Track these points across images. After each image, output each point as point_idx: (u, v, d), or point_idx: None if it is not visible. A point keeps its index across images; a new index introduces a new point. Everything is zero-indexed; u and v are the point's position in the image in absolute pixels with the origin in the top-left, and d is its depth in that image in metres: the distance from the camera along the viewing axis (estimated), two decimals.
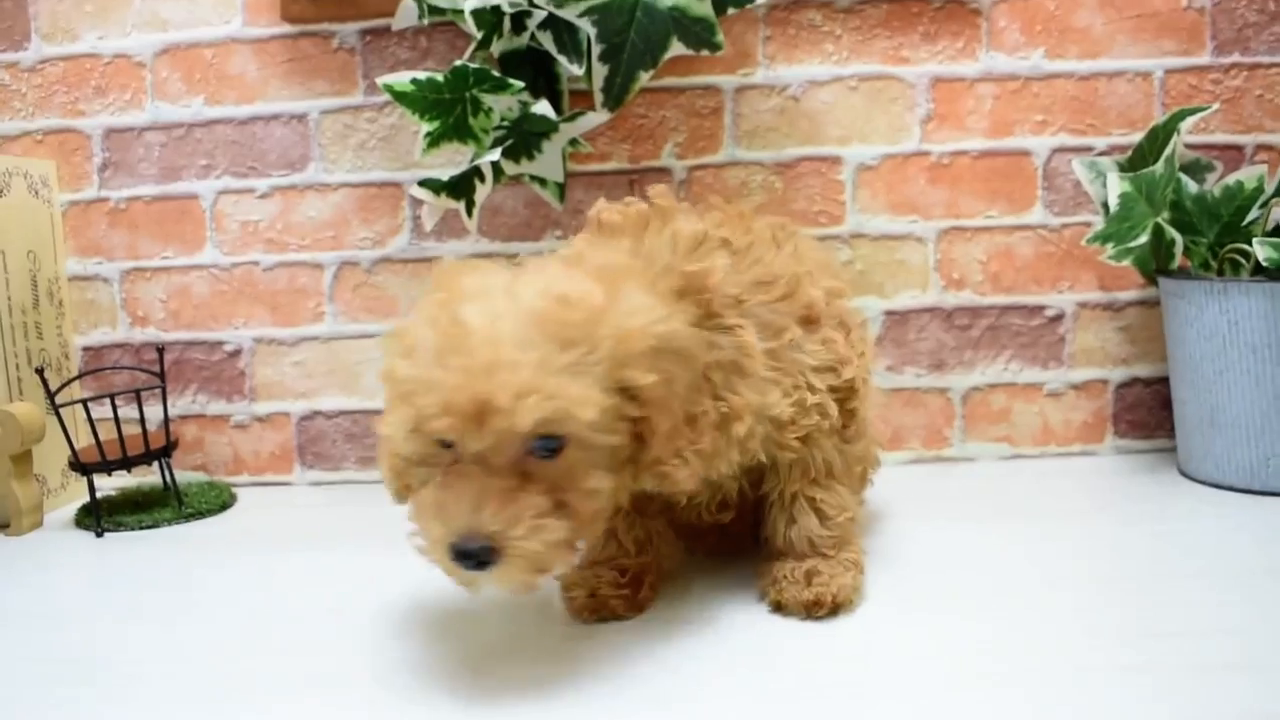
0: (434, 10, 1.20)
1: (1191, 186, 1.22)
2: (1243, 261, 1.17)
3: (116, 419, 1.22)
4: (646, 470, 0.77)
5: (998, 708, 0.71)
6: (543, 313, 0.72)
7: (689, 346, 0.77)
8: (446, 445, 0.73)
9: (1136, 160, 1.23)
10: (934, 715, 0.70)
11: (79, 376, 1.31)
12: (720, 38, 1.18)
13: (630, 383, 0.73)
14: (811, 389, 0.86)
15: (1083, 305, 1.34)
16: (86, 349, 1.42)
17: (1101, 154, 1.31)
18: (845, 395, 0.89)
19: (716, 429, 0.78)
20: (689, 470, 0.77)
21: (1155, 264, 1.22)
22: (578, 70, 1.19)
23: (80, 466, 1.23)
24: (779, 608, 0.89)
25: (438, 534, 0.72)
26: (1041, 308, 1.34)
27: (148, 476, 1.39)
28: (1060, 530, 1.07)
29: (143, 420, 1.27)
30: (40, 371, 1.22)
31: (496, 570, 0.71)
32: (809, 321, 0.88)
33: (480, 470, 0.72)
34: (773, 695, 0.74)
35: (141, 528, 1.22)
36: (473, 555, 0.70)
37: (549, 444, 0.72)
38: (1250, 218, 1.19)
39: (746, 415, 0.79)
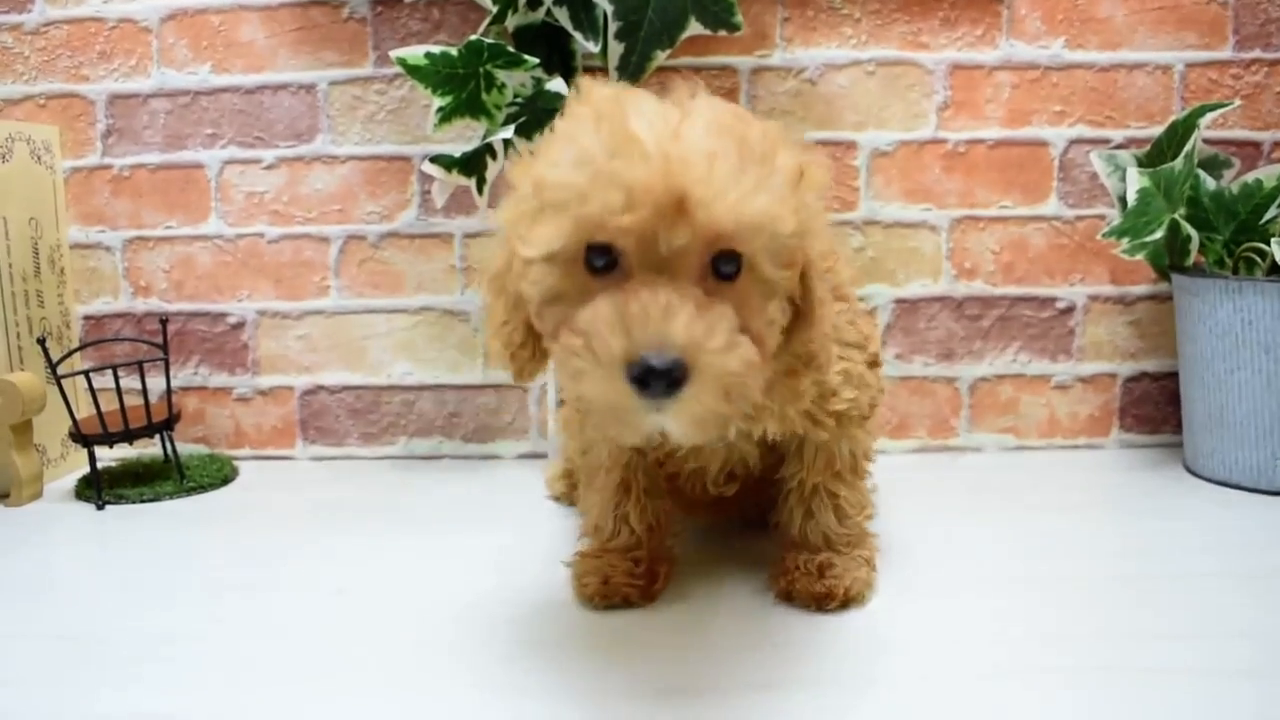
0: None
1: (1209, 183, 1.21)
2: (1258, 260, 1.17)
3: (119, 390, 1.21)
4: (798, 346, 0.73)
5: (1000, 700, 0.71)
6: (725, 124, 0.65)
7: (824, 241, 0.74)
8: (606, 267, 0.65)
9: (1155, 155, 1.22)
10: (937, 706, 0.70)
11: (81, 347, 1.30)
12: (739, 18, 1.16)
13: (802, 227, 0.68)
14: (852, 360, 0.85)
15: (1094, 298, 1.33)
16: (88, 318, 1.40)
17: (1119, 147, 1.29)
18: (874, 365, 0.89)
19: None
20: (829, 356, 0.76)
21: (1169, 260, 1.21)
22: (593, 47, 1.17)
23: (81, 437, 1.22)
24: (788, 598, 0.88)
25: (617, 351, 0.61)
26: (1052, 300, 1.33)
27: (149, 448, 1.38)
28: (1065, 524, 1.07)
29: (145, 391, 1.25)
30: (41, 341, 1.21)
31: (685, 393, 0.61)
32: (840, 299, 0.85)
33: (666, 281, 0.62)
34: (777, 684, 0.74)
35: (142, 500, 1.21)
36: (663, 373, 0.60)
37: (731, 263, 0.65)
38: (1268, 216, 1.19)
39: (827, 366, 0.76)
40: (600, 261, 0.65)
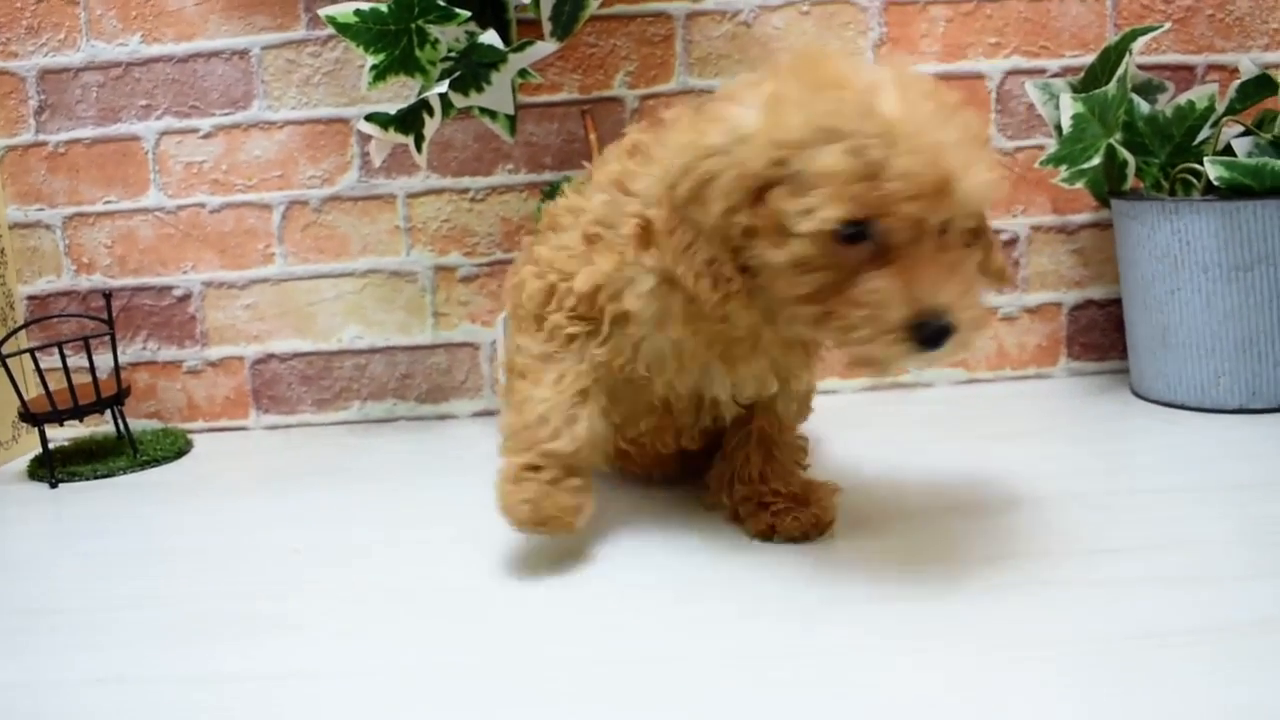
0: None
1: (1144, 107, 1.22)
2: (1194, 181, 1.18)
3: (65, 368, 1.20)
4: (988, 269, 0.82)
5: (957, 622, 0.72)
6: (942, 100, 0.74)
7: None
8: (857, 237, 0.72)
9: (1089, 81, 1.23)
10: (892, 633, 0.71)
11: (25, 325, 1.29)
12: None
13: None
14: None
15: (1036, 229, 1.34)
16: (31, 298, 1.39)
17: (1055, 76, 1.30)
18: None
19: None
20: (1002, 258, 0.84)
21: (1108, 185, 1.23)
22: None
23: (31, 417, 1.21)
24: (770, 533, 0.90)
25: (900, 319, 0.71)
26: (996, 231, 1.34)
27: (101, 426, 1.37)
28: (1016, 451, 1.09)
29: (92, 369, 1.24)
30: None
31: (950, 343, 0.71)
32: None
33: (933, 254, 0.72)
34: (745, 613, 0.75)
35: (96, 477, 1.21)
36: (938, 333, 0.71)
37: (970, 231, 0.76)
38: (1201, 137, 1.20)
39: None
40: (853, 232, 0.71)
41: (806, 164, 0.71)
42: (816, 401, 0.99)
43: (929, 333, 0.71)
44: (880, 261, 0.72)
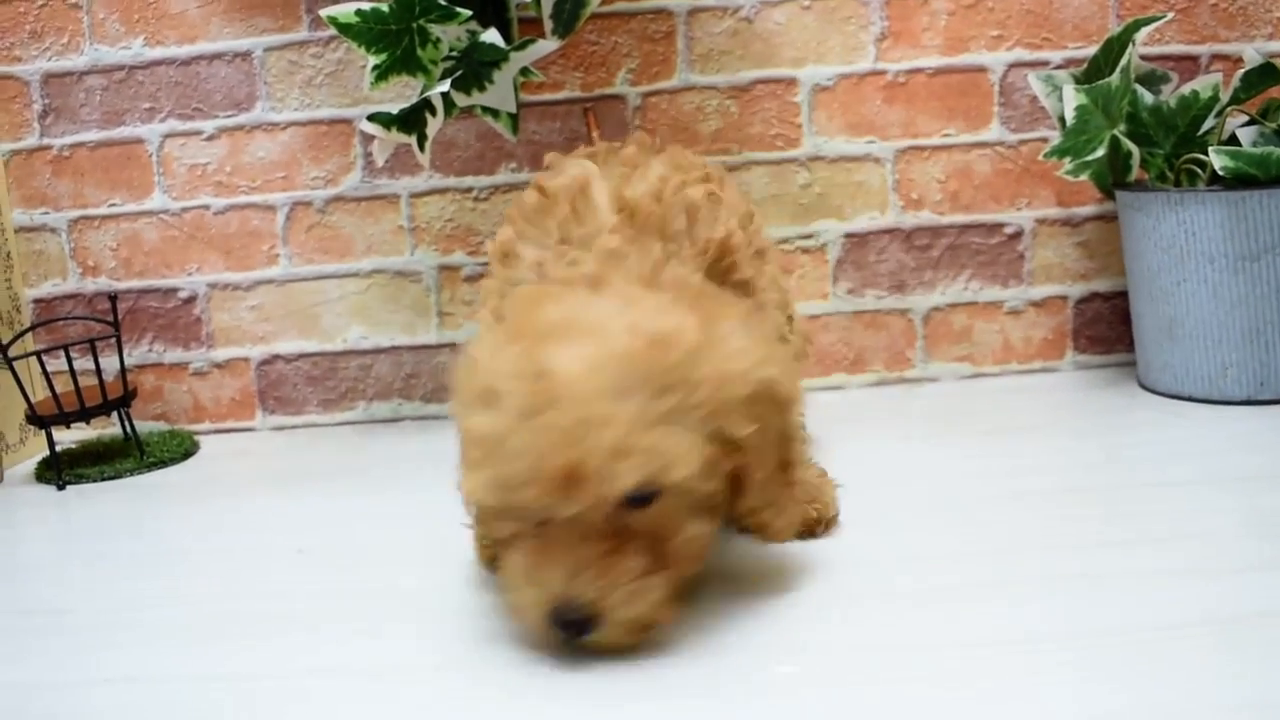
0: None
1: (1147, 98, 1.22)
2: (1199, 172, 1.17)
3: (72, 370, 1.20)
4: (743, 519, 0.75)
5: (963, 616, 0.72)
6: (636, 355, 0.66)
7: (789, 391, 0.73)
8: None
9: (1092, 72, 1.23)
10: (901, 627, 0.71)
11: (32, 328, 1.29)
12: None
13: (729, 432, 0.69)
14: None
15: (1041, 222, 1.34)
16: (38, 301, 1.39)
17: (1058, 68, 1.30)
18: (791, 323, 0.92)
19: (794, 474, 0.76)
20: (785, 520, 0.76)
21: (1112, 177, 1.22)
22: None
23: (38, 420, 1.22)
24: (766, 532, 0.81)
25: (532, 601, 0.68)
26: (1000, 225, 1.34)
27: (108, 428, 1.38)
28: (1022, 445, 1.08)
29: (99, 371, 1.25)
30: None
31: (597, 633, 0.67)
32: (761, 257, 0.88)
33: (573, 533, 0.67)
34: (743, 610, 0.75)
35: (103, 479, 1.21)
36: (572, 625, 0.67)
37: (641, 498, 0.67)
38: (1206, 127, 1.19)
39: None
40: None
41: (464, 428, 0.70)
42: (822, 397, 0.99)
43: (564, 621, 0.67)
44: (535, 534, 0.68)
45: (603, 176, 0.85)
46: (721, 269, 0.82)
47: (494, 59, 1.15)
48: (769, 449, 0.72)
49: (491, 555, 0.82)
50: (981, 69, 1.31)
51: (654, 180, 0.83)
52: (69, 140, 1.36)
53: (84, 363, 1.30)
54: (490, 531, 0.75)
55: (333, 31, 1.13)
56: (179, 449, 1.29)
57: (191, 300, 1.38)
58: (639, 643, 0.69)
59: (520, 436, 0.64)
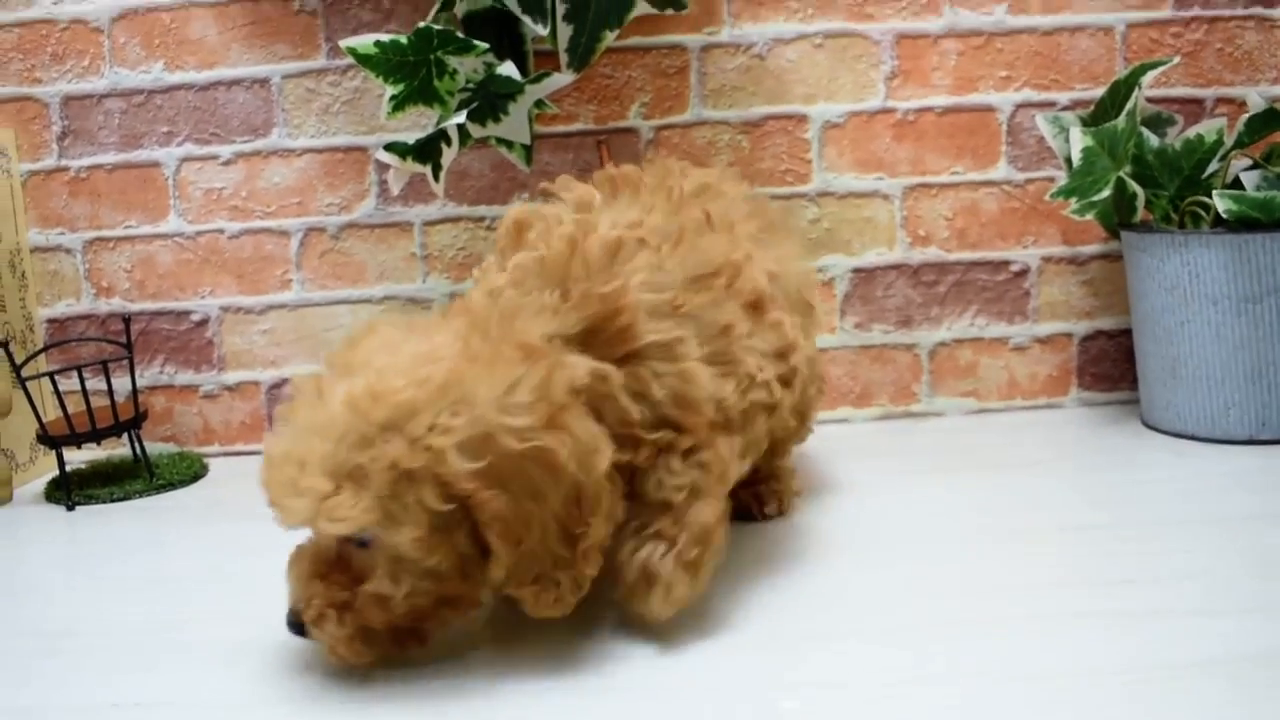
0: None
1: (1153, 140, 1.23)
2: (1203, 214, 1.19)
3: (84, 391, 1.21)
4: (502, 589, 0.72)
5: (967, 652, 0.72)
6: (353, 404, 0.69)
7: (557, 461, 0.68)
8: None
9: (1099, 115, 1.24)
10: (905, 659, 0.72)
11: (45, 349, 1.30)
12: None
13: (456, 492, 0.68)
14: (760, 374, 0.83)
15: (1047, 260, 1.35)
16: (51, 321, 1.40)
17: (1065, 109, 1.31)
18: (789, 379, 0.86)
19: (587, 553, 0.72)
20: (550, 600, 0.72)
21: (1117, 218, 1.24)
22: (542, 30, 1.18)
23: (49, 440, 1.22)
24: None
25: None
26: (1006, 263, 1.35)
27: (117, 449, 1.38)
28: (1025, 481, 1.09)
29: (110, 392, 1.26)
30: (4, 345, 1.21)
31: (313, 636, 0.73)
32: (755, 308, 0.84)
33: (312, 547, 0.75)
34: (746, 644, 0.76)
35: (113, 500, 1.22)
36: (295, 625, 0.74)
37: (355, 540, 0.72)
38: (1210, 170, 1.21)
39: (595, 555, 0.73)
40: None
41: None
42: (828, 430, 1.00)
43: (290, 621, 0.74)
44: None
45: (574, 208, 0.87)
46: (609, 333, 0.76)
47: (510, 91, 1.17)
48: (525, 521, 0.69)
49: None
50: (990, 109, 1.33)
51: (578, 221, 0.82)
52: (86, 162, 1.38)
53: (96, 383, 1.31)
54: None
55: (350, 60, 1.14)
56: (188, 471, 1.30)
57: (204, 323, 1.39)
58: (346, 662, 0.73)
59: (266, 451, 0.73)
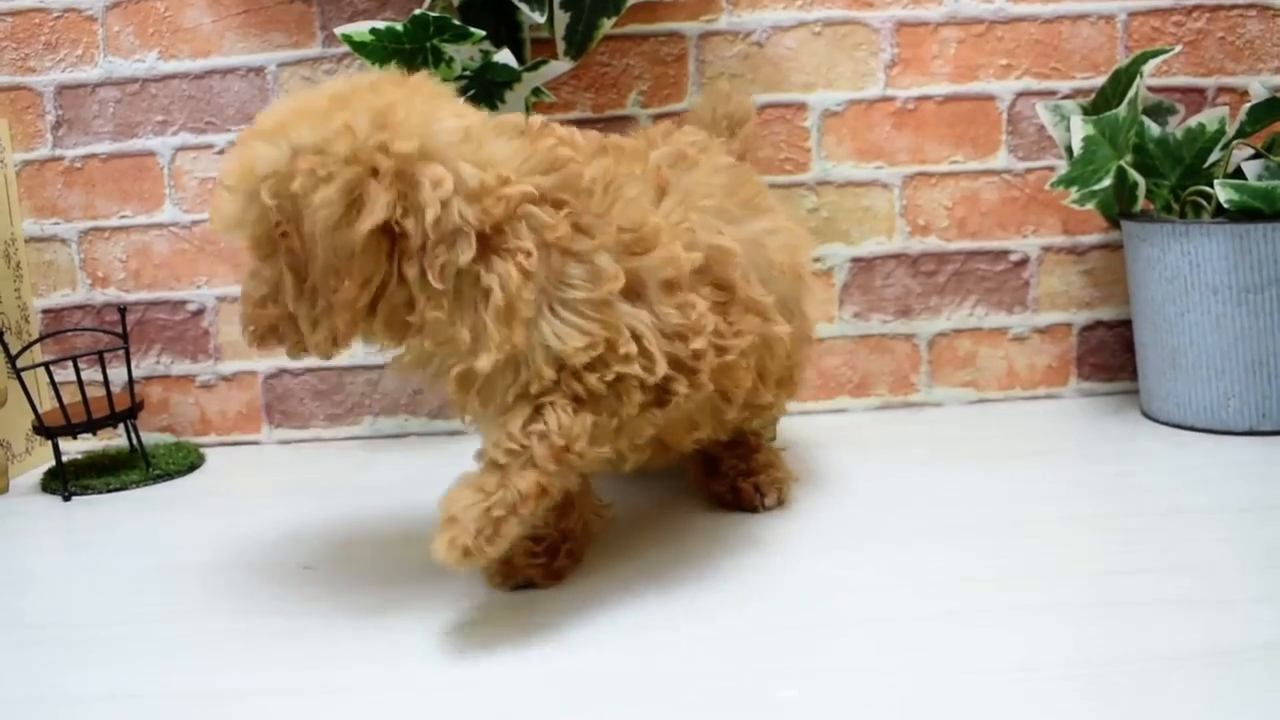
0: None
1: (1154, 129, 1.22)
2: (1204, 204, 1.18)
3: (80, 381, 1.21)
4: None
5: (965, 642, 0.72)
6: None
7: (331, 202, 0.75)
8: None
9: (1100, 103, 1.24)
10: (904, 648, 0.72)
11: (40, 339, 1.30)
12: None
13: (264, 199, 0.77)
14: (637, 343, 0.78)
15: (1047, 249, 1.35)
16: (46, 311, 1.40)
17: (1065, 98, 1.31)
18: (691, 366, 0.81)
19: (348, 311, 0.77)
20: (316, 340, 0.79)
21: (1118, 207, 1.23)
22: (539, 18, 1.17)
23: (44, 430, 1.22)
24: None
25: None
26: (1006, 252, 1.35)
27: (114, 439, 1.38)
28: (1024, 472, 1.09)
29: (106, 382, 1.25)
30: (0, 335, 1.21)
31: None
32: (669, 285, 0.80)
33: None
34: (746, 632, 0.75)
35: (109, 490, 1.22)
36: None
37: None
38: (1211, 160, 1.20)
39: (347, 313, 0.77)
40: None
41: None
42: (827, 420, 1.00)
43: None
44: None
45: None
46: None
47: (506, 79, 1.16)
48: (294, 250, 0.77)
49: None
50: (990, 97, 1.32)
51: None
52: (81, 151, 1.37)
53: (91, 374, 1.30)
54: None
55: (346, 48, 1.14)
56: (184, 461, 1.29)
57: (200, 313, 1.38)
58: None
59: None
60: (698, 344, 0.81)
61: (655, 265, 0.80)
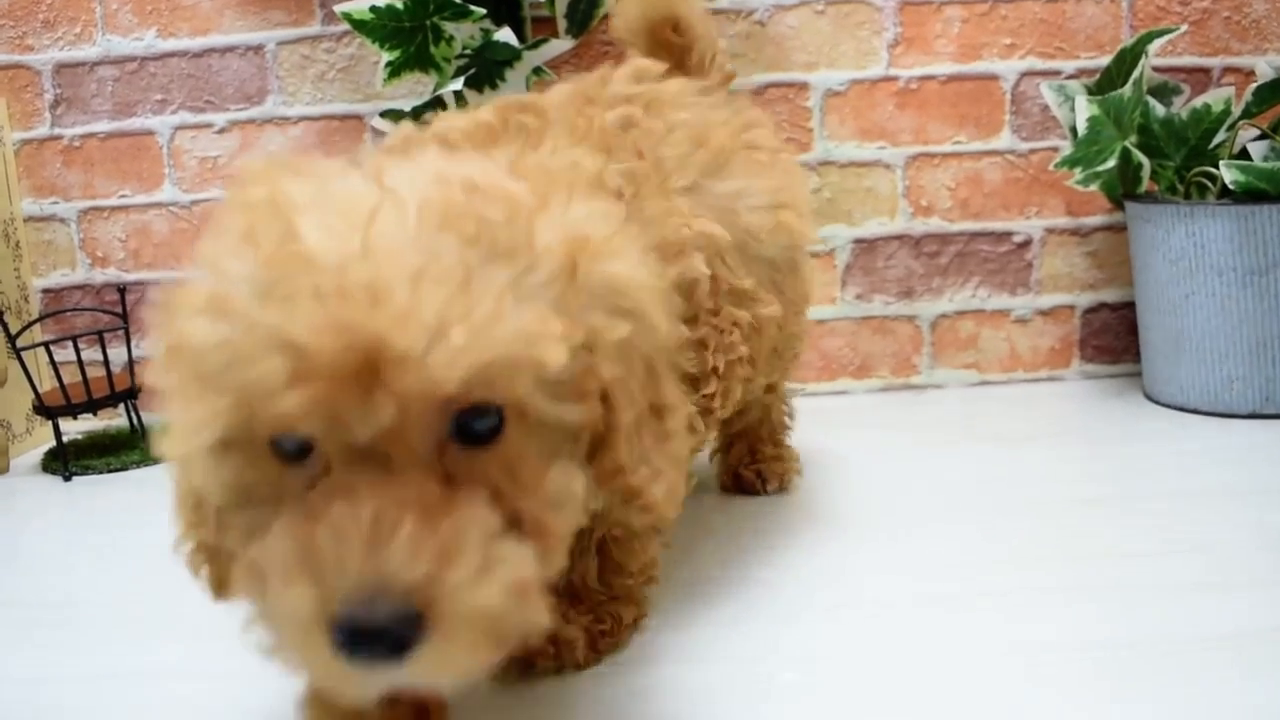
0: None
1: (1159, 110, 1.22)
2: (1209, 185, 1.17)
3: (80, 361, 1.21)
4: (608, 483, 0.52)
5: (967, 625, 0.72)
6: (449, 204, 0.45)
7: (658, 299, 0.53)
8: (300, 452, 0.45)
9: (1104, 83, 1.23)
10: (905, 631, 0.72)
11: (40, 319, 1.29)
12: None
13: (598, 329, 0.49)
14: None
15: (1050, 231, 1.34)
16: (46, 291, 1.39)
17: (1070, 78, 1.30)
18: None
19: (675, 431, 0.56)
20: (665, 486, 0.54)
21: (1122, 188, 1.22)
22: None
23: (45, 410, 1.22)
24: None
25: (308, 606, 0.42)
26: (1009, 234, 1.34)
27: (114, 419, 1.38)
28: (1027, 454, 1.08)
29: (106, 362, 1.25)
30: (0, 314, 1.20)
31: (426, 653, 0.41)
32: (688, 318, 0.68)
33: (372, 478, 0.43)
34: (746, 617, 0.75)
35: (109, 470, 1.21)
36: (383, 635, 0.40)
37: (482, 421, 0.45)
38: (1217, 141, 1.19)
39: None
40: (291, 446, 0.45)
41: (184, 351, 0.45)
42: (828, 402, 0.99)
43: (343, 635, 0.41)
44: (302, 492, 0.45)
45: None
46: None
47: (507, 58, 1.16)
48: (635, 381, 0.52)
49: (220, 571, 0.57)
50: (994, 77, 1.31)
51: None
52: (80, 130, 1.36)
53: (92, 354, 1.30)
54: (218, 542, 0.53)
55: (346, 27, 1.13)
56: None
57: None
58: (490, 661, 0.44)
59: (273, 318, 0.41)
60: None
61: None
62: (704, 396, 0.70)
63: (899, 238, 1.34)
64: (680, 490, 0.55)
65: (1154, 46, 1.16)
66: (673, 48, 0.93)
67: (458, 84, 1.12)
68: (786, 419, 1.03)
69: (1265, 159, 1.15)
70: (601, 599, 0.71)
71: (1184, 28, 1.24)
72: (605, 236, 0.50)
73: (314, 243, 0.43)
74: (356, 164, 0.50)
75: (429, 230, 0.44)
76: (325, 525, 0.42)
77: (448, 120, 0.70)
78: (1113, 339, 1.36)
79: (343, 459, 0.44)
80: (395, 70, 1.14)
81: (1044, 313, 1.36)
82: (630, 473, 0.52)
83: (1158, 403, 1.23)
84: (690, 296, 0.68)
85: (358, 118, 1.34)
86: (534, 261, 0.46)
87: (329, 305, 0.41)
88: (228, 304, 0.43)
